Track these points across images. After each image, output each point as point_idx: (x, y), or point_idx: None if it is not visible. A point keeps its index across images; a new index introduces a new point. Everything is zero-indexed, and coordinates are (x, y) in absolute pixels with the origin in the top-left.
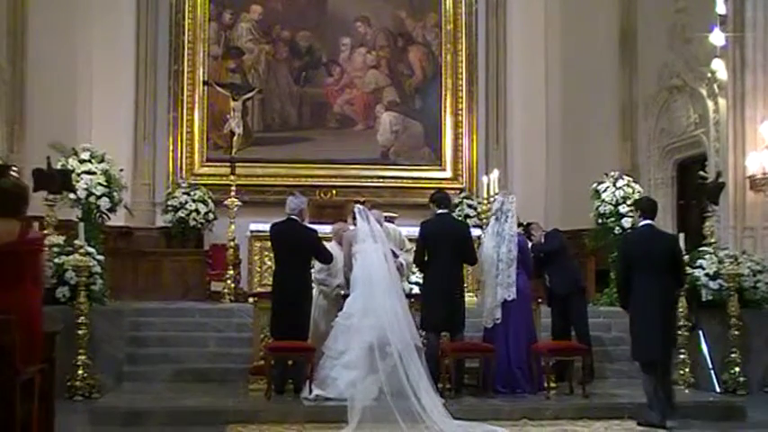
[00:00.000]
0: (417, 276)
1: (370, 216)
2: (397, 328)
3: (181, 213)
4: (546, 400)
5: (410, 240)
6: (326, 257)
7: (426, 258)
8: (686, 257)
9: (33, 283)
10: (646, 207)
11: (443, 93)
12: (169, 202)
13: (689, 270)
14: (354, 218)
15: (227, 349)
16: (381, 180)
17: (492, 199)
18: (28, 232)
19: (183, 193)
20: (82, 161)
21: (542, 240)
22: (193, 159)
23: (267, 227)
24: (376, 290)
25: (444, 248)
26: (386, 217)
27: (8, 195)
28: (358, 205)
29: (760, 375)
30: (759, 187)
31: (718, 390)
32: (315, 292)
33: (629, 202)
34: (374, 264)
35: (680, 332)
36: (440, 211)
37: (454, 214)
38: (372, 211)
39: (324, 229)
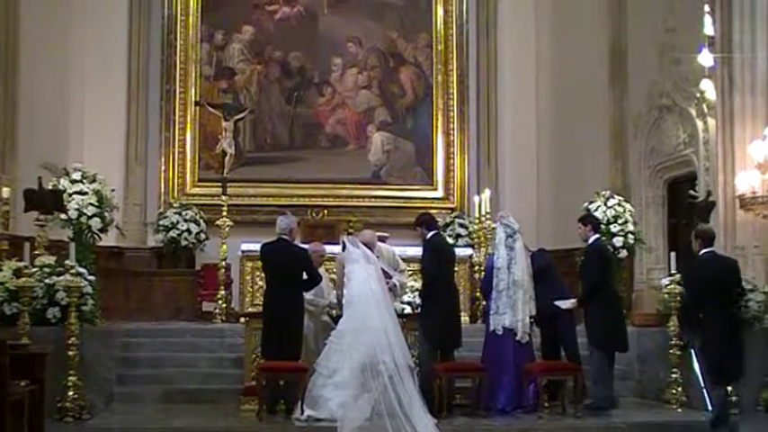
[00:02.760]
0: (409, 296)
1: (360, 244)
2: (388, 348)
3: (172, 233)
4: (539, 420)
5: (403, 260)
6: (316, 278)
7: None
8: (677, 276)
9: None
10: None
11: (435, 112)
12: (160, 222)
13: (679, 289)
14: (344, 247)
15: (219, 370)
16: (373, 200)
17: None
18: None
19: (175, 213)
20: (73, 181)
21: (529, 260)
22: (185, 179)
23: (258, 247)
24: (368, 310)
25: (447, 267)
26: (378, 236)
27: None
28: (346, 236)
29: (752, 394)
30: (749, 206)
31: (710, 409)
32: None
33: (620, 221)
34: (366, 284)
35: (671, 351)
36: (433, 231)
37: (446, 234)
38: (365, 231)
39: None
